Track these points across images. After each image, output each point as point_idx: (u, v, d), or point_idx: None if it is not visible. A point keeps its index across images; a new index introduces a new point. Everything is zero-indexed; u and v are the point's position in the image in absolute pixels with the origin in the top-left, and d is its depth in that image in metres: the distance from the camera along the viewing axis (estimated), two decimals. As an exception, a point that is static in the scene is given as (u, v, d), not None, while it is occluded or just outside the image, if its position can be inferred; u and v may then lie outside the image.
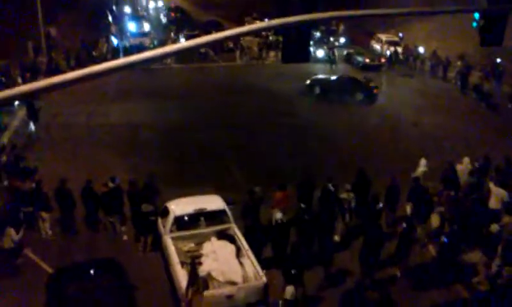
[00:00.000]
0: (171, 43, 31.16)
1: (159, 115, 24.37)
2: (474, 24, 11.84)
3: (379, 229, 12.83)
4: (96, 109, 24.73)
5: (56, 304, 10.27)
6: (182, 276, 11.03)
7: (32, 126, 20.81)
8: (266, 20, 29.71)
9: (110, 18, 45.09)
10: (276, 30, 29.84)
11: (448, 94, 30.03)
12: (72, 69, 14.17)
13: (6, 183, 15.19)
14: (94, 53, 33.35)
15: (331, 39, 40.86)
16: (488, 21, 11.07)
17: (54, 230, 13.99)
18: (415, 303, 12.21)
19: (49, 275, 11.69)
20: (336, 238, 14.06)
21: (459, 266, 13.04)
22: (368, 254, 12.31)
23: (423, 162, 16.66)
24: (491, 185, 14.79)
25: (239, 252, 12.05)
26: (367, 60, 35.71)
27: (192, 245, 12.53)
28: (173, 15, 51.26)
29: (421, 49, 36.45)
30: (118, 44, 36.61)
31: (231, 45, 37.61)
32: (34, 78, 25.38)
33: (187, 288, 10.54)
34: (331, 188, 14.41)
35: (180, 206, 13.15)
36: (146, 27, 43.67)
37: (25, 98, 16.81)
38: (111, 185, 13.87)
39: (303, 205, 14.46)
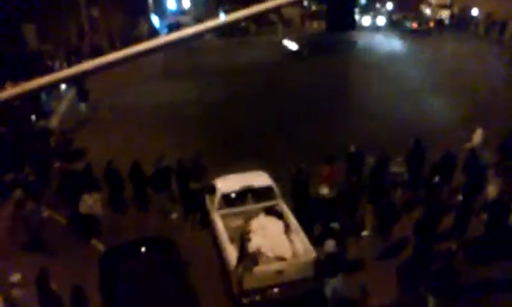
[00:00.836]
0: (212, 19, 30.91)
1: (202, 92, 24.41)
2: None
3: (437, 203, 12.33)
4: (141, 88, 25.00)
5: (108, 281, 10.48)
6: (231, 252, 11.00)
7: (83, 108, 21.31)
8: (308, -11, 28.89)
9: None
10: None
11: (503, 57, 28.39)
12: (115, 50, 14.31)
13: (57, 165, 15.64)
14: (135, 33, 33.62)
15: (378, 5, 39.41)
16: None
17: (104, 210, 14.27)
18: (472, 277, 11.71)
19: (101, 253, 11.97)
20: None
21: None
22: (426, 228, 11.87)
23: (479, 132, 15.79)
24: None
25: (287, 229, 11.90)
26: (414, 25, 34.24)
27: (240, 221, 12.48)
28: (212, -10, 50.88)
29: (475, 11, 34.56)
30: (159, 23, 36.77)
31: (273, 18, 36.96)
32: (78, 61, 25.89)
33: (237, 264, 10.51)
34: (384, 158, 13.95)
35: (227, 183, 13.08)
36: (186, 4, 43.60)
37: (71, 81, 17.21)
38: (159, 165, 13.95)
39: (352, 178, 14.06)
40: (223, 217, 12.42)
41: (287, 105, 22.41)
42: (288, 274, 10.71)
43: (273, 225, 11.88)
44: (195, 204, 13.52)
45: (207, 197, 13.40)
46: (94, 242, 12.93)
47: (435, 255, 11.94)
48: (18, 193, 13.16)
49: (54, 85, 8.20)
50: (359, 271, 11.70)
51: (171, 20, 37.66)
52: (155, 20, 37.74)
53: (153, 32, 33.53)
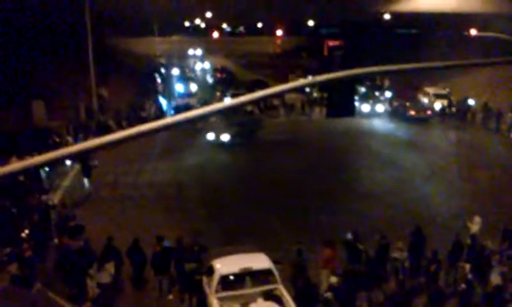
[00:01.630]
0: (217, 102, 31.93)
1: (203, 172, 24.63)
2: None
3: (438, 290, 12.10)
4: (144, 167, 25.30)
5: None
6: (227, 339, 10.64)
7: (86, 184, 21.51)
8: (310, 77, 29.99)
9: (158, 80, 47.06)
10: (321, 87, 30.22)
11: (501, 146, 28.89)
12: (121, 129, 14.78)
13: (56, 241, 15.53)
14: (142, 113, 34.55)
15: (377, 93, 40.74)
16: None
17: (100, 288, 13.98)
18: None
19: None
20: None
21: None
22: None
23: (477, 219, 15.78)
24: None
25: (286, 315, 11.58)
26: (412, 112, 35.30)
27: (238, 306, 12.16)
28: (218, 75, 53.01)
29: (471, 101, 35.68)
30: (166, 105, 37.88)
31: (275, 102, 38.14)
32: (86, 138, 26.42)
33: (233, 351, 10.13)
34: (384, 244, 13.83)
35: (226, 265, 12.87)
36: (193, 87, 45.20)
37: (76, 157, 17.45)
38: (159, 245, 13.84)
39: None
40: (221, 300, 12.12)
41: (287, 184, 22.50)
42: None
43: (272, 310, 11.57)
44: (192, 286, 13.23)
45: (205, 279, 13.15)
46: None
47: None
48: (13, 268, 12.97)
49: (60, 160, 8.41)
50: None
51: (178, 102, 38.86)
52: (162, 102, 38.97)
53: (160, 114, 34.46)
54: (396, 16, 49.31)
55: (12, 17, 34.95)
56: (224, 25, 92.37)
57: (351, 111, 9.67)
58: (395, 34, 57.65)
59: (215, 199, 21.37)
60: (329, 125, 31.12)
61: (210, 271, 12.92)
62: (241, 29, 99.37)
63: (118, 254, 13.91)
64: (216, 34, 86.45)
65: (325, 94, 26.30)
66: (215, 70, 55.92)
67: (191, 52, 76.38)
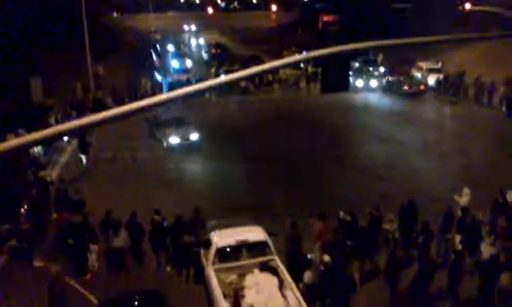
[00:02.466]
0: (212, 78, 31.94)
1: (200, 147, 24.77)
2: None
3: (430, 261, 12.46)
4: (141, 143, 25.43)
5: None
6: (224, 308, 10.98)
7: (84, 160, 21.68)
8: (304, 52, 29.97)
9: (154, 56, 46.82)
10: (315, 62, 30.27)
11: (493, 120, 29.15)
12: (118, 105, 14.89)
13: (54, 216, 15.77)
14: (138, 89, 34.50)
15: (371, 68, 40.76)
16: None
17: (100, 262, 14.30)
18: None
19: (95, 305, 11.90)
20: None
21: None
22: (418, 286, 11.93)
23: (466, 191, 16.04)
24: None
25: (281, 285, 11.91)
26: (406, 87, 35.56)
27: (234, 277, 12.49)
28: (213, 51, 52.72)
29: (464, 76, 35.78)
30: (161, 80, 37.82)
31: (270, 78, 38.13)
32: (82, 115, 26.44)
33: (230, 320, 10.48)
34: (376, 216, 14.13)
35: (222, 238, 13.18)
36: (188, 63, 45.02)
37: (73, 134, 17.54)
38: (157, 218, 14.11)
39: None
40: (217, 271, 12.43)
41: (283, 159, 22.76)
42: (282, 331, 10.67)
43: (267, 281, 11.91)
44: (189, 259, 13.54)
45: (202, 252, 13.45)
46: (88, 295, 12.83)
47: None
48: (12, 243, 13.23)
49: (56, 137, 8.54)
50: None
51: (173, 78, 38.79)
52: (157, 77, 38.87)
53: (156, 89, 34.42)
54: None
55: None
56: (219, 1, 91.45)
57: (345, 86, 9.80)
58: (390, 9, 57.28)
59: (212, 174, 21.55)
60: (324, 100, 31.20)
61: (207, 244, 13.23)
62: (235, 4, 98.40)
63: (117, 227, 14.14)
64: (210, 10, 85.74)
65: (319, 70, 26.38)
66: (210, 46, 55.59)
67: (185, 28, 75.77)
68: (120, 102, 28.98)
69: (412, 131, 27.35)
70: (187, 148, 24.10)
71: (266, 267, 12.61)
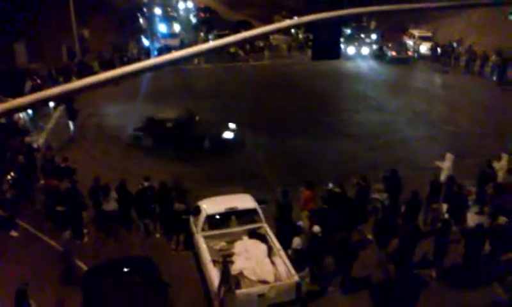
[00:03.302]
0: (201, 43, 31.38)
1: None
2: (511, 17, 11.43)
3: (415, 229, 12.61)
4: (129, 109, 25.10)
5: (89, 300, 10.45)
6: (214, 275, 11.07)
7: (71, 126, 21.36)
8: (295, 17, 29.44)
9: (141, 20, 45.79)
10: (306, 28, 29.85)
11: (484, 90, 29.19)
12: (104, 70, 14.55)
13: (42, 182, 15.61)
14: (125, 54, 33.83)
15: (362, 35, 40.35)
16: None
17: (88, 228, 14.27)
18: (450, 304, 11.92)
19: (84, 272, 11.93)
20: (370, 236, 13.85)
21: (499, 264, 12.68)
22: (404, 254, 12.10)
23: (448, 155, 15.99)
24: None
25: (270, 252, 12.02)
26: (394, 53, 35.68)
27: (224, 243, 12.57)
28: (202, 15, 51.57)
29: (455, 44, 35.63)
30: (149, 45, 37.11)
31: (261, 44, 37.57)
32: (67, 80, 25.94)
33: (219, 286, 10.57)
34: (364, 185, 14.20)
35: (212, 205, 13.21)
36: (176, 28, 44.12)
37: (59, 99, 17.21)
38: (145, 184, 14.05)
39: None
40: (207, 238, 12.49)
41: (274, 126, 22.67)
42: (270, 297, 10.80)
43: (256, 248, 12.01)
44: (179, 225, 13.56)
45: (191, 219, 13.47)
46: (77, 261, 12.85)
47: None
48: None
49: (42, 103, 8.33)
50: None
51: (161, 43, 38.04)
52: (145, 42, 38.12)
53: (144, 54, 33.78)
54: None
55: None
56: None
57: (336, 54, 9.61)
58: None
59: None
60: (315, 67, 30.89)
61: (197, 211, 13.24)
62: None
63: (107, 191, 14.03)
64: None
65: (311, 36, 26.02)
66: (198, 10, 54.36)
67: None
68: (106, 67, 28.48)
69: (403, 100, 27.31)
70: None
71: (255, 234, 12.71)
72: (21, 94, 15.36)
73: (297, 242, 11.58)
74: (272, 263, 11.63)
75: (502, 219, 12.31)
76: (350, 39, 38.61)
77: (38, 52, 30.59)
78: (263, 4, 55.86)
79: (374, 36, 40.96)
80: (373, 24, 43.42)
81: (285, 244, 12.14)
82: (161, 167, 18.04)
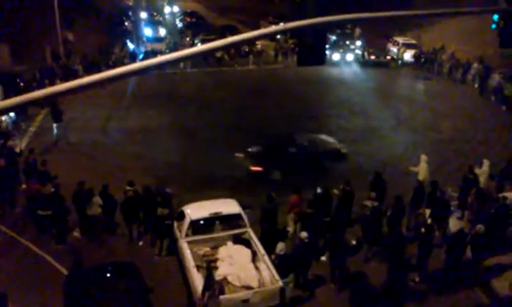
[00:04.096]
0: (187, 48, 31.30)
1: (173, 119, 24.44)
2: (493, 26, 11.66)
3: (399, 234, 12.72)
4: (112, 113, 24.94)
5: (72, 306, 10.32)
6: (197, 280, 11.00)
7: (55, 129, 21.08)
8: (282, 23, 29.55)
9: (126, 24, 45.56)
10: (292, 33, 29.96)
11: (466, 97, 29.61)
12: (89, 74, 14.45)
13: (24, 186, 15.40)
14: (110, 58, 33.62)
15: (347, 42, 40.67)
16: (508, 22, 10.88)
17: (70, 233, 14.10)
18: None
19: (65, 277, 11.77)
20: (353, 242, 13.92)
21: (480, 269, 12.83)
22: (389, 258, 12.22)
23: (423, 157, 16.17)
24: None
25: (254, 257, 12.01)
26: (373, 57, 37.00)
27: (208, 249, 12.52)
28: (188, 19, 51.41)
29: (439, 52, 36.12)
30: (134, 49, 36.93)
31: (247, 49, 37.59)
32: (52, 83, 25.66)
33: (203, 292, 10.50)
34: (348, 190, 14.31)
35: (196, 210, 13.14)
36: (162, 32, 44.01)
37: (43, 102, 17.03)
38: (129, 188, 13.92)
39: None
40: (191, 244, 12.43)
41: (258, 131, 22.68)
42: (254, 303, 10.78)
43: (241, 253, 11.97)
44: (162, 231, 13.46)
45: (175, 224, 13.38)
46: (59, 266, 12.68)
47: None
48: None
49: (25, 106, 8.23)
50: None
51: (147, 47, 37.90)
52: (130, 46, 37.91)
53: (130, 57, 33.58)
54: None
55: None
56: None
57: (321, 60, 9.69)
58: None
59: (188, 145, 21.31)
60: (300, 73, 31.05)
61: (181, 216, 13.16)
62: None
63: (90, 196, 13.87)
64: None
65: (296, 42, 26.18)
66: (184, 14, 54.27)
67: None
68: (90, 70, 28.26)
69: (386, 106, 27.55)
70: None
71: (239, 239, 12.68)
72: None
73: (280, 247, 11.55)
74: (257, 268, 11.60)
75: (480, 227, 12.45)
76: (335, 46, 38.89)
77: (22, 55, 30.25)
78: (249, 9, 56.00)
79: (358, 43, 41.32)
80: (358, 31, 43.78)
81: (270, 249, 12.14)
82: (144, 171, 17.93)
